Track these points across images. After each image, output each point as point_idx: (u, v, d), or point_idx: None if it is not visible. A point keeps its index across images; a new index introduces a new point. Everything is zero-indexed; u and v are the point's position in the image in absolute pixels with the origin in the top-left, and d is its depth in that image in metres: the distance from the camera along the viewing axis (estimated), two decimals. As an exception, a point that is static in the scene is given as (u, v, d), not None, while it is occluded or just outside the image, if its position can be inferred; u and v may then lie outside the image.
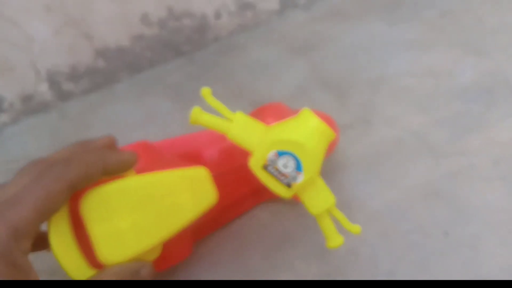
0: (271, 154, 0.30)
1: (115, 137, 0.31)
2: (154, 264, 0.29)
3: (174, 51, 0.56)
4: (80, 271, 0.26)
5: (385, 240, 0.39)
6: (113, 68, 0.53)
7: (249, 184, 0.40)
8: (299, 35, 0.61)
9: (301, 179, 0.30)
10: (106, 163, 0.27)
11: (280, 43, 0.60)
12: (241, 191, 0.40)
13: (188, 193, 0.29)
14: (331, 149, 0.43)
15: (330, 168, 0.44)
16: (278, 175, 0.30)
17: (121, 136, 0.39)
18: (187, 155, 0.39)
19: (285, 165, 0.30)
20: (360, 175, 0.44)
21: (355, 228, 0.31)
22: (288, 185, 0.30)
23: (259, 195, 0.42)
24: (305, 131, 0.30)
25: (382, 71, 0.55)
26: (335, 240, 0.31)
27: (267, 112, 0.39)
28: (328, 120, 0.43)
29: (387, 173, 0.44)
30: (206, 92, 0.31)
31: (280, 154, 0.29)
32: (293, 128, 0.31)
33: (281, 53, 0.58)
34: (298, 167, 0.29)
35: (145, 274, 0.28)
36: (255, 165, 0.30)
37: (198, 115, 0.30)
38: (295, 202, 0.42)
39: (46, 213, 0.24)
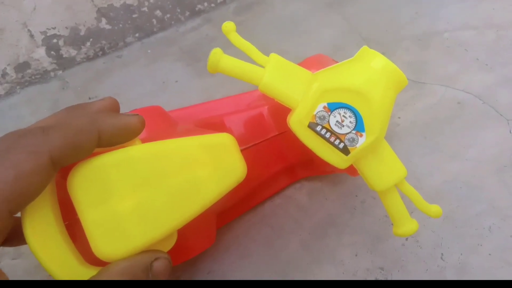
0: (320, 108, 0.22)
1: (117, 100, 0.24)
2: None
3: (188, 10, 0.49)
4: (67, 270, 0.20)
5: (452, 225, 0.32)
6: (119, 31, 0.46)
7: (282, 159, 0.33)
8: (331, -12, 0.53)
9: (362, 141, 0.22)
10: (102, 129, 0.20)
11: (309, -2, 0.52)
12: (273, 168, 0.33)
13: (209, 166, 0.22)
14: None
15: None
16: (330, 137, 0.22)
17: (131, 107, 0.33)
18: (208, 126, 0.32)
19: (340, 123, 0.22)
20: (416, 146, 0.37)
21: (434, 209, 0.24)
22: (345, 151, 0.22)
23: (294, 172, 0.35)
24: (367, 75, 0.22)
25: (432, 24, 0.47)
26: (406, 225, 0.24)
27: (310, 64, 0.32)
28: None
29: (448, 142, 0.37)
30: (229, 27, 0.24)
31: (333, 107, 0.22)
32: (351, 72, 0.23)
33: (311, 7, 0.50)
34: (359, 126, 0.22)
35: (161, 268, 0.21)
36: (297, 123, 0.23)
37: (219, 58, 0.23)
38: (336, 181, 0.35)
39: (18, 200, 0.18)
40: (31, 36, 0.42)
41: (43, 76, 0.45)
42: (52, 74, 0.45)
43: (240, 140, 0.30)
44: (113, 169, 0.21)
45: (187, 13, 0.49)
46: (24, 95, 0.44)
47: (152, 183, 0.21)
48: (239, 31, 0.45)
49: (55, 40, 0.43)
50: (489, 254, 0.31)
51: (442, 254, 0.31)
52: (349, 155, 0.22)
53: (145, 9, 0.46)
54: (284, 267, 0.31)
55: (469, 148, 0.36)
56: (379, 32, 0.47)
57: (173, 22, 0.49)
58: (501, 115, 0.38)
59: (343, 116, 0.22)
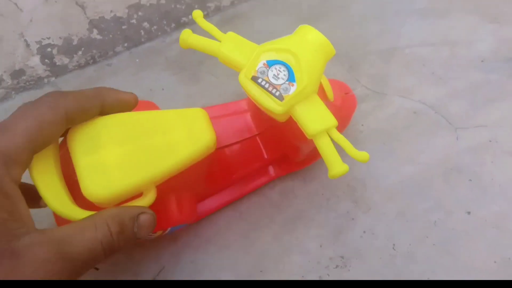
0: (260, 64, 0.28)
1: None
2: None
3: (174, 22, 0.53)
4: (63, 205, 0.25)
5: (403, 219, 0.37)
6: (109, 41, 0.49)
7: (260, 156, 0.38)
8: (305, 4, 0.57)
9: (293, 90, 0.27)
10: (104, 98, 0.26)
11: (285, 13, 0.56)
12: (251, 164, 0.38)
13: (183, 131, 0.28)
14: (348, 119, 0.40)
15: (343, 144, 0.42)
16: (269, 87, 0.27)
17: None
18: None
19: (276, 76, 0.27)
20: (376, 150, 0.42)
21: (362, 155, 0.27)
22: (280, 98, 0.27)
23: (270, 171, 0.39)
24: (301, 42, 0.28)
25: (394, 40, 0.52)
26: (338, 167, 0.27)
27: None
28: (344, 87, 0.41)
29: (404, 148, 0.42)
30: (197, 14, 0.30)
31: (271, 64, 0.27)
32: (288, 40, 0.28)
33: (287, 22, 0.55)
34: (291, 78, 0.27)
35: (145, 222, 0.26)
36: (244, 77, 0.28)
37: (188, 36, 0.30)
38: (305, 180, 0.40)
39: (39, 142, 0.23)
40: (27, 45, 0.45)
41: (37, 83, 0.48)
42: (45, 80, 0.48)
43: (224, 138, 0.35)
44: (104, 128, 0.26)
45: (173, 25, 0.53)
46: (19, 100, 0.47)
47: (135, 141, 0.26)
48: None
49: (49, 49, 0.46)
50: (434, 245, 0.36)
51: (394, 244, 0.36)
52: (283, 101, 0.27)
53: (134, 21, 0.50)
54: (258, 256, 0.36)
55: (421, 153, 0.41)
56: (348, 47, 0.51)
57: (159, 33, 0.52)
58: (450, 123, 0.43)
59: (279, 70, 0.27)
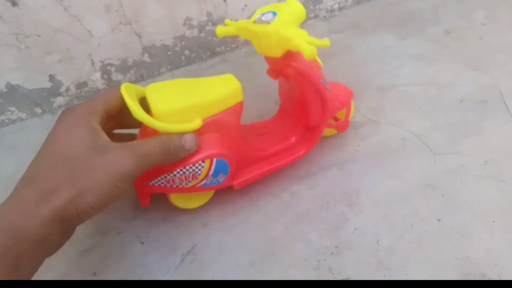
0: (258, 15, 0.43)
1: None
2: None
3: (210, 51, 0.63)
4: (142, 113, 0.37)
5: (387, 221, 0.46)
6: (156, 63, 0.60)
7: (286, 138, 0.51)
8: (319, 43, 0.68)
9: (276, 18, 0.41)
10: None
11: (301, 49, 0.67)
12: (276, 147, 0.50)
13: (217, 82, 0.42)
14: (348, 108, 0.52)
15: (344, 160, 0.52)
16: (263, 22, 0.42)
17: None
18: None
19: (267, 17, 0.42)
20: (369, 167, 0.51)
21: (325, 41, 0.37)
22: (269, 23, 0.41)
23: (296, 149, 0.50)
24: (284, 5, 0.42)
25: (391, 79, 0.63)
26: (308, 49, 0.37)
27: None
28: (345, 89, 0.52)
29: (391, 166, 0.51)
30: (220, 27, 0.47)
31: (264, 14, 0.43)
32: (276, 4, 0.43)
33: (302, 58, 0.65)
34: (275, 14, 0.42)
35: (189, 136, 0.39)
36: (249, 23, 0.43)
37: (222, 28, 0.46)
38: (311, 187, 0.50)
39: (107, 101, 0.39)
40: (93, 63, 0.55)
41: (95, 93, 0.58)
42: (101, 91, 0.59)
43: (256, 130, 0.51)
44: (167, 84, 0.42)
45: (208, 53, 0.64)
46: (80, 106, 0.57)
47: (186, 86, 0.41)
48: (248, 70, 0.62)
49: (109, 68, 0.57)
50: (409, 242, 0.45)
51: (377, 240, 0.45)
52: (271, 24, 0.41)
53: (177, 48, 0.60)
54: (270, 242, 0.45)
55: (404, 171, 0.51)
56: (351, 81, 0.62)
57: (197, 60, 0.63)
58: (430, 150, 0.53)
59: (268, 15, 0.42)
